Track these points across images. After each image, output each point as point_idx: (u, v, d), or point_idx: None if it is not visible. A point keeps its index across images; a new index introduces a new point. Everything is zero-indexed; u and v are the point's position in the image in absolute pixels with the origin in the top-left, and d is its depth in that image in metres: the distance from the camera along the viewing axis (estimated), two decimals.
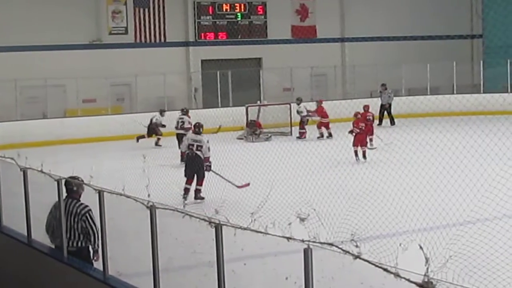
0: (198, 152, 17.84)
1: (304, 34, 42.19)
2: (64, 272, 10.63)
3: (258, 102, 34.28)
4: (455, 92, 38.98)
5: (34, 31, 34.83)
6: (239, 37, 40.25)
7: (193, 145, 17.99)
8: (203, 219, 7.34)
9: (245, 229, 6.76)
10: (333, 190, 16.70)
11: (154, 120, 29.89)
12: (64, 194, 10.27)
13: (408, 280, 5.09)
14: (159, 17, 38.18)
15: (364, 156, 23.17)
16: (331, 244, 5.89)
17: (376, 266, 5.43)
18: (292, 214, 7.05)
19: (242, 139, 30.56)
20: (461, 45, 45.33)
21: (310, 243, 5.98)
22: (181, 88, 38.35)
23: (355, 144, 23.40)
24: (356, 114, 24.42)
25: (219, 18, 39.85)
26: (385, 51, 42.59)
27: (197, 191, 17.52)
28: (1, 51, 34.50)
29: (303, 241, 6.01)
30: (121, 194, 9.05)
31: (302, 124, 31.14)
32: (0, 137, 25.24)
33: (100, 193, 9.51)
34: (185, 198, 16.97)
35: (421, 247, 5.64)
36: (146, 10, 37.92)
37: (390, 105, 35.35)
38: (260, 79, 39.13)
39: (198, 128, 18.75)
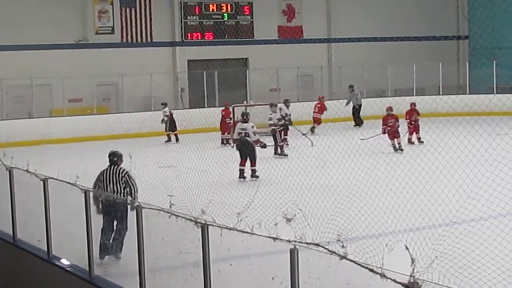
0: (248, 138, 20.63)
1: (290, 35, 42.22)
2: (49, 271, 10.62)
3: (245, 102, 34.23)
4: (441, 93, 39.08)
5: (20, 30, 34.71)
6: (226, 37, 40.21)
7: (241, 133, 20.82)
8: (189, 219, 7.35)
9: (231, 229, 6.77)
10: (319, 190, 16.71)
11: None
12: (107, 164, 12.75)
13: (394, 280, 5.10)
14: (145, 17, 38.11)
15: (401, 149, 24.79)
16: (317, 245, 5.91)
17: (362, 266, 5.45)
18: (279, 214, 7.05)
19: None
20: (447, 46, 45.45)
21: (296, 243, 5.99)
22: (167, 88, 38.28)
23: (390, 138, 25.19)
24: (388, 109, 26.13)
25: (206, 18, 39.81)
26: (372, 51, 42.65)
27: (253, 171, 20.29)
28: None
29: (289, 241, 6.02)
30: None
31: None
32: None
33: (86, 193, 9.51)
34: (241, 178, 20.01)
35: (407, 248, 5.66)
36: (133, 10, 37.84)
37: (359, 106, 35.27)
38: (246, 79, 39.15)
39: (245, 117, 21.53)
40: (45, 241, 10.79)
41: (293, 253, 5.97)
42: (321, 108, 32.71)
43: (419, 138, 26.83)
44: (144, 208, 8.27)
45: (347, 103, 35.19)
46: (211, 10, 39.86)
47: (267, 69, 38.69)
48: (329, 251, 5.70)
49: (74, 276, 9.85)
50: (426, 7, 44.20)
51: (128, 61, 36.76)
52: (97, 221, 9.76)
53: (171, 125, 31.34)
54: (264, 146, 21.63)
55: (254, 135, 20.84)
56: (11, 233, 12.11)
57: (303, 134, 28.65)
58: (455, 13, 46.59)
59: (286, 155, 24.48)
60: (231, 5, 40.28)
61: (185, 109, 36.90)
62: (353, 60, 40.98)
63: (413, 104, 27.80)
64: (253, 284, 7.96)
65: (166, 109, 31.73)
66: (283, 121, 26.10)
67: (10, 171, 12.07)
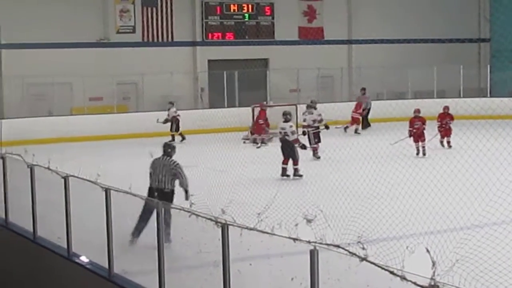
0: (287, 137, 21.03)
1: (311, 36, 42.13)
2: (68, 268, 10.65)
3: (265, 102, 34.21)
4: (461, 95, 38.89)
5: (42, 29, 34.85)
6: (246, 37, 40.19)
7: (281, 132, 21.38)
8: (209, 219, 7.34)
9: (251, 229, 6.76)
10: (340, 191, 16.65)
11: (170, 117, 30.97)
12: (160, 154, 13.87)
13: (414, 283, 5.08)
14: (166, 16, 38.17)
15: (424, 153, 24.47)
16: (338, 246, 5.89)
17: (383, 268, 5.42)
18: (299, 215, 7.04)
19: (247, 139, 30.44)
20: (468, 49, 45.24)
21: (317, 244, 5.97)
22: (187, 88, 38.34)
23: (415, 141, 24.88)
24: (416, 111, 25.90)
25: (227, 18, 39.81)
26: (392, 53, 42.51)
27: (295, 170, 20.64)
28: (9, 48, 34.53)
29: (309, 242, 6.00)
30: (127, 193, 9.06)
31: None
32: (7, 133, 25.14)
33: (107, 191, 9.52)
34: (284, 175, 20.50)
35: (428, 250, 5.63)
36: (154, 9, 37.91)
37: (369, 110, 35.10)
38: (266, 80, 39.11)
39: (285, 116, 21.87)
40: (65, 238, 10.82)
41: (313, 254, 5.95)
42: (359, 107, 32.95)
43: (448, 142, 26.52)
44: (164, 207, 8.27)
45: (364, 104, 34.97)
46: (232, 10, 39.85)
47: (287, 70, 38.66)
48: (350, 252, 5.68)
49: (94, 274, 9.87)
50: (447, 9, 43.99)
51: (149, 60, 36.82)
52: (117, 219, 9.77)
53: (177, 125, 31.05)
54: (303, 147, 21.85)
55: (293, 134, 21.15)
56: (31, 230, 12.15)
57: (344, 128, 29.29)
58: (477, 15, 46.34)
59: (319, 157, 24.20)
60: (252, 5, 40.27)
61: (205, 109, 36.92)
62: (373, 62, 40.88)
63: (446, 108, 27.57)
64: (273, 284, 7.95)
65: (174, 109, 31.24)
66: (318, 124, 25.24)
67: (31, 168, 12.12)
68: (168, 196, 13.11)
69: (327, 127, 24.42)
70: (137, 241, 11.85)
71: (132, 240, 12.01)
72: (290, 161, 20.77)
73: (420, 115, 25.82)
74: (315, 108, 26.39)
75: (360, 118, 32.90)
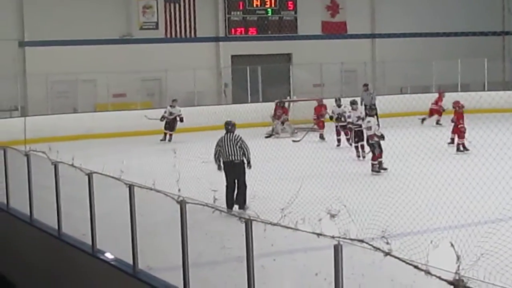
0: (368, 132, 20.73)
1: (334, 30, 42.06)
2: (93, 264, 10.69)
3: (288, 98, 34.17)
4: (486, 89, 38.66)
5: (65, 26, 35.00)
6: (269, 32, 40.18)
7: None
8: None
9: (275, 224, 6.75)
10: (363, 186, 16.64)
11: (167, 115, 30.11)
12: (223, 133, 16.04)
13: (439, 277, 5.05)
14: (189, 12, 38.22)
15: (464, 148, 23.46)
16: (362, 241, 5.87)
17: (407, 263, 5.40)
18: (323, 210, 7.02)
19: (270, 136, 30.36)
20: (493, 42, 44.93)
21: (340, 239, 5.96)
22: (211, 84, 38.40)
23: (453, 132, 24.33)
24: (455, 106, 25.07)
25: (250, 14, 39.80)
26: (416, 47, 42.32)
27: (373, 166, 20.10)
28: (33, 46, 34.74)
29: (333, 237, 5.98)
30: (151, 189, 9.07)
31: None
32: (31, 131, 25.30)
33: (131, 187, 9.55)
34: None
35: (452, 245, 5.60)
36: (177, 5, 37.97)
37: (374, 105, 34.09)
38: (290, 75, 39.05)
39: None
40: (89, 235, 10.87)
41: (337, 249, 5.93)
42: (439, 100, 32.74)
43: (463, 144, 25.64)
44: (188, 203, 8.28)
45: (361, 102, 33.94)
46: (254, 5, 39.84)
47: (311, 64, 38.59)
48: (374, 247, 5.66)
49: (118, 270, 9.90)
50: (470, 2, 43.80)
51: (172, 56, 36.89)
52: (141, 215, 9.79)
53: (174, 124, 30.16)
54: (382, 137, 20.57)
55: (368, 129, 20.78)
56: (56, 226, 12.20)
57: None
58: (501, 8, 46.03)
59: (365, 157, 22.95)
60: (275, 0, 40.22)
61: (228, 104, 36.93)
62: (397, 56, 40.75)
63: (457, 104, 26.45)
64: (297, 279, 7.95)
65: (178, 108, 30.32)
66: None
67: (55, 165, 12.17)
68: (239, 166, 15.67)
69: (382, 137, 21.37)
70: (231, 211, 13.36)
71: (229, 212, 12.90)
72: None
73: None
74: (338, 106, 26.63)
75: (441, 110, 32.55)
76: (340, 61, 39.47)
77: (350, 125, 24.09)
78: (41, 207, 13.42)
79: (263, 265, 7.58)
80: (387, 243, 5.67)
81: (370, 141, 20.62)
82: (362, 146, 22.77)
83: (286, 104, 32.47)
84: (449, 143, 24.41)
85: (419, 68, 38.74)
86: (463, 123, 24.12)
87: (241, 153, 15.79)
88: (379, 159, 20.04)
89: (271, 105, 31.58)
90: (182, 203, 8.32)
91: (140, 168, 17.82)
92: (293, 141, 27.34)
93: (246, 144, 15.94)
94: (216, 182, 13.37)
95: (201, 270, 8.96)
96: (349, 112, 24.72)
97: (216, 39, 39.17)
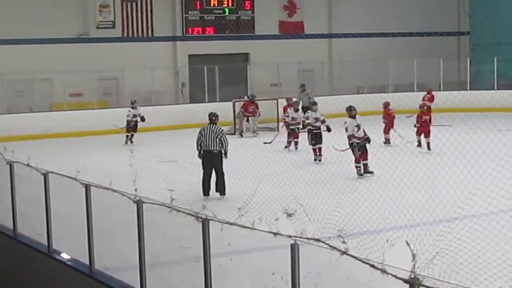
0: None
1: (291, 30, 42.18)
2: (49, 265, 10.61)
3: (245, 97, 34.22)
4: (441, 88, 39.03)
5: (21, 25, 34.70)
6: (227, 32, 40.19)
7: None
8: (190, 214, 7.33)
9: (232, 224, 6.75)
10: (320, 185, 16.69)
11: (128, 118, 28.94)
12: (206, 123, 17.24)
13: (395, 276, 5.09)
14: (146, 11, 38.09)
15: (428, 147, 23.34)
16: (318, 240, 5.89)
17: (363, 262, 5.43)
18: (279, 209, 7.04)
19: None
20: (448, 42, 45.42)
21: (297, 238, 5.97)
22: (168, 83, 38.31)
23: (418, 134, 23.88)
24: (421, 106, 25.08)
25: (207, 13, 39.76)
26: (372, 47, 42.61)
27: (356, 168, 19.28)
28: None
29: (290, 236, 6.00)
30: (108, 189, 9.02)
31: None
32: None
33: (87, 187, 9.49)
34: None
35: (408, 243, 5.63)
36: (134, 4, 37.81)
37: (315, 102, 33.73)
38: (247, 74, 39.11)
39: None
40: (45, 235, 10.79)
41: (294, 248, 5.95)
42: (430, 98, 32.96)
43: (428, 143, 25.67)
44: (145, 202, 8.26)
45: (298, 103, 33.76)
46: (212, 4, 39.80)
47: (268, 64, 38.67)
48: (330, 246, 5.68)
49: (75, 271, 9.84)
50: (426, 2, 44.18)
51: (129, 55, 36.76)
52: (97, 215, 9.74)
53: (136, 125, 29.10)
54: (367, 140, 19.96)
55: (346, 131, 20.19)
56: (11, 227, 12.10)
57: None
58: (456, 8, 46.50)
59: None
60: (232, 0, 40.22)
61: (185, 104, 36.88)
62: (354, 56, 41.01)
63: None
64: (254, 279, 7.96)
65: (139, 108, 29.41)
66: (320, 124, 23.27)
67: (10, 165, 12.06)
68: (216, 156, 17.10)
69: (329, 130, 22.68)
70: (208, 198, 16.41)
71: (207, 198, 16.38)
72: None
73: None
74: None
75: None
76: (297, 61, 39.63)
77: (309, 127, 23.38)
78: None
79: (220, 265, 7.57)
80: (344, 242, 5.69)
81: (349, 142, 19.93)
82: (320, 149, 22.40)
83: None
84: (417, 145, 23.99)
85: (375, 67, 39.03)
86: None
87: (219, 145, 17.09)
88: (364, 161, 19.40)
89: (228, 105, 31.51)
90: (139, 203, 8.29)
91: (96, 168, 17.72)
92: (265, 143, 26.89)
93: (225, 137, 17.39)
94: (173, 182, 13.32)
95: (159, 270, 8.94)
96: (307, 113, 24.31)
97: (174, 39, 39.08)
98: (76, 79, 34.27)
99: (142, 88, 35.86)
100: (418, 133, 23.92)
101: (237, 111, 31.76)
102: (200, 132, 17.40)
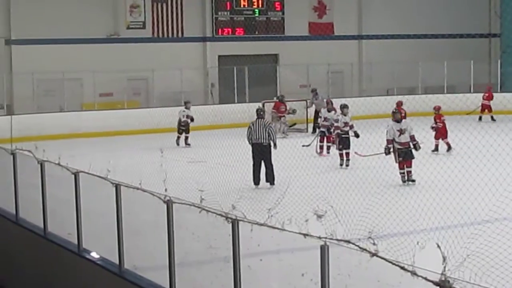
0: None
1: (321, 31, 42.10)
2: (79, 264, 10.66)
3: (275, 98, 34.19)
4: (472, 91, 38.76)
5: (52, 25, 34.93)
6: (256, 33, 40.18)
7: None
8: (219, 215, 7.33)
9: (261, 225, 6.75)
10: (350, 187, 16.66)
11: (183, 118, 28.90)
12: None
13: (425, 278, 5.06)
14: (176, 12, 38.18)
15: (448, 148, 23.42)
16: (348, 242, 5.87)
17: (393, 264, 5.40)
18: (309, 210, 7.02)
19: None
20: (479, 44, 45.08)
21: (327, 240, 5.96)
22: (197, 84, 38.37)
23: (436, 138, 23.83)
24: (437, 108, 24.62)
25: (237, 14, 39.79)
26: (402, 49, 42.40)
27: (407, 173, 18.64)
28: (19, 44, 34.64)
29: (320, 238, 5.98)
30: (138, 188, 9.05)
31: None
32: (17, 129, 25.29)
33: (117, 187, 9.52)
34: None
35: (438, 246, 5.61)
36: (164, 4, 37.93)
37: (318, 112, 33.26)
38: (276, 76, 39.08)
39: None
40: (75, 234, 10.83)
41: (324, 250, 5.93)
42: (489, 96, 33.03)
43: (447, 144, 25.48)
44: (174, 202, 8.27)
45: (309, 106, 33.49)
46: (242, 5, 39.83)
47: (297, 65, 38.65)
48: (360, 248, 5.66)
49: (104, 270, 9.87)
50: (457, 4, 43.91)
51: (159, 56, 36.86)
52: (128, 215, 9.76)
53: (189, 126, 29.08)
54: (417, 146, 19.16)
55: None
56: (42, 226, 12.16)
57: None
58: (487, 10, 46.19)
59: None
60: (262, 1, 40.22)
61: (215, 104, 36.95)
62: (383, 57, 40.85)
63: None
64: (283, 280, 7.94)
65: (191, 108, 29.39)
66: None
67: (41, 164, 12.13)
68: (266, 148, 18.42)
69: (357, 135, 22.31)
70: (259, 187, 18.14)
71: (256, 188, 18.06)
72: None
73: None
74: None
75: (490, 105, 33.32)
76: (326, 62, 39.55)
77: (337, 131, 22.36)
78: (27, 206, 13.36)
79: (250, 265, 7.57)
80: (374, 244, 5.67)
81: (386, 146, 19.20)
82: (348, 154, 21.82)
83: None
84: (433, 151, 23.76)
85: (405, 69, 38.87)
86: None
87: (268, 137, 18.47)
88: (407, 168, 18.53)
89: (258, 106, 31.45)
90: (168, 203, 8.31)
91: (126, 168, 17.76)
92: (303, 145, 26.37)
93: (273, 130, 19.02)
94: (203, 182, 13.34)
95: (188, 270, 8.95)
96: (337, 116, 23.02)
97: (203, 39, 39.14)
98: (106, 79, 34.48)
99: (171, 88, 35.97)
100: (436, 137, 23.83)
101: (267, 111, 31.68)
102: (249, 127, 18.76)
